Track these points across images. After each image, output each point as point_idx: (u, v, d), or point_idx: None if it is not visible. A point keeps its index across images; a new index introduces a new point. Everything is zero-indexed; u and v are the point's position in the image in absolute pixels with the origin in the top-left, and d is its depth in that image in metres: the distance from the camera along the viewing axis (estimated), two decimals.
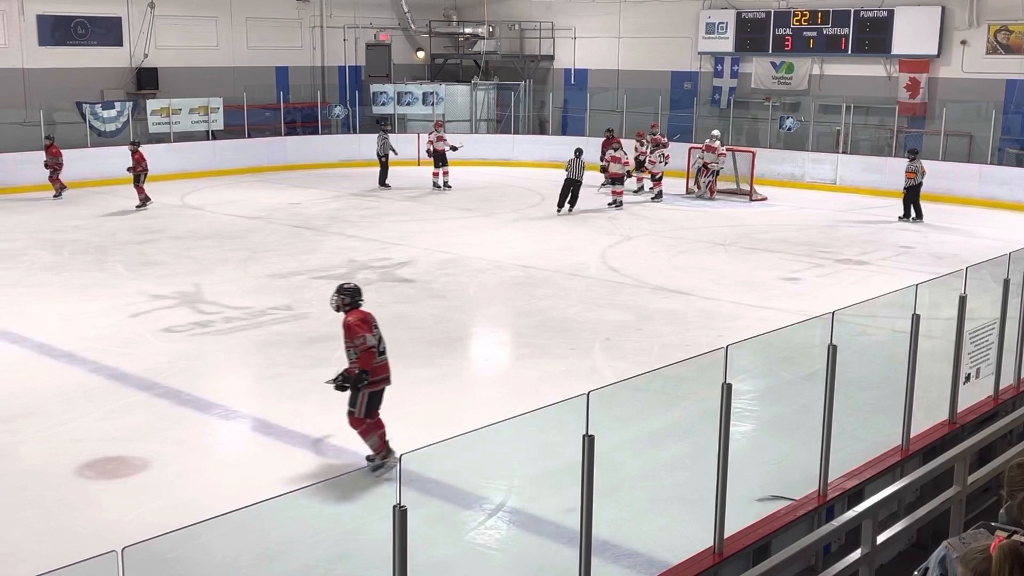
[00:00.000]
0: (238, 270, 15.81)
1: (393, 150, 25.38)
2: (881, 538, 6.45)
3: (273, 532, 6.52)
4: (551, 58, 32.82)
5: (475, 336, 13.28)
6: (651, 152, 23.63)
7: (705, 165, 23.85)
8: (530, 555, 7.20)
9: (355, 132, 30.57)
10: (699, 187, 24.05)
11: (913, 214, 21.08)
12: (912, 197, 21.15)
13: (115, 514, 7.63)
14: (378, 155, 25.22)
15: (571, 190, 21.23)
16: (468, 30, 33.20)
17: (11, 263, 16.17)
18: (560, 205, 21.36)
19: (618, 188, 22.09)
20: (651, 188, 23.79)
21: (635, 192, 24.06)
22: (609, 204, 21.99)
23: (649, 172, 23.79)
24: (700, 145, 24.77)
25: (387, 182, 24.92)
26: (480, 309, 14.30)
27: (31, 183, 23.63)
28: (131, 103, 26.32)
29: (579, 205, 21.30)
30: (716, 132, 24.36)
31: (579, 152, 21.61)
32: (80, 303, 13.78)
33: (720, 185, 24.20)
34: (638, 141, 24.69)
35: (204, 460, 8.87)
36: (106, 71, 26.63)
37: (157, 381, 10.53)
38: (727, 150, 24.19)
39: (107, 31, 26.65)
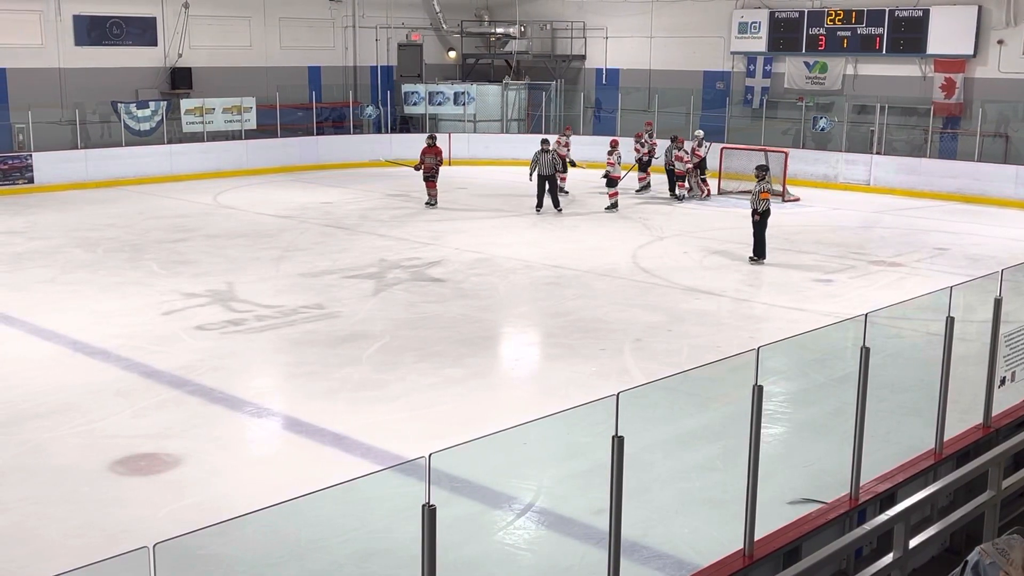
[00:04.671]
0: (270, 269, 15.90)
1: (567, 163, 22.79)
2: (913, 542, 6.40)
3: (303, 530, 6.55)
4: (583, 58, 32.77)
5: (505, 336, 13.28)
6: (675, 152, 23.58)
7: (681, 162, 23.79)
8: (559, 555, 7.18)
9: (387, 132, 30.70)
10: (690, 188, 23.86)
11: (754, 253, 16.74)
12: (764, 227, 16.61)
13: (147, 510, 7.70)
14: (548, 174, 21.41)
15: (547, 187, 21.27)
16: (500, 30, 33.22)
17: (47, 260, 16.35)
18: (539, 205, 21.37)
19: (612, 190, 21.90)
20: (678, 187, 23.73)
21: (637, 192, 24.00)
22: (607, 208, 21.83)
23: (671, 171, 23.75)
24: (730, 145, 24.63)
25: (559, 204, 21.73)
26: (510, 309, 14.30)
27: (67, 181, 23.96)
28: (165, 103, 26.55)
29: (598, 205, 21.21)
30: (700, 132, 24.48)
31: (545, 144, 21.43)
32: (114, 301, 13.92)
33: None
34: (637, 142, 24.46)
35: (235, 458, 8.93)
36: (141, 71, 26.89)
37: (189, 379, 10.61)
38: (761, 150, 24.04)
39: (142, 31, 26.91)
